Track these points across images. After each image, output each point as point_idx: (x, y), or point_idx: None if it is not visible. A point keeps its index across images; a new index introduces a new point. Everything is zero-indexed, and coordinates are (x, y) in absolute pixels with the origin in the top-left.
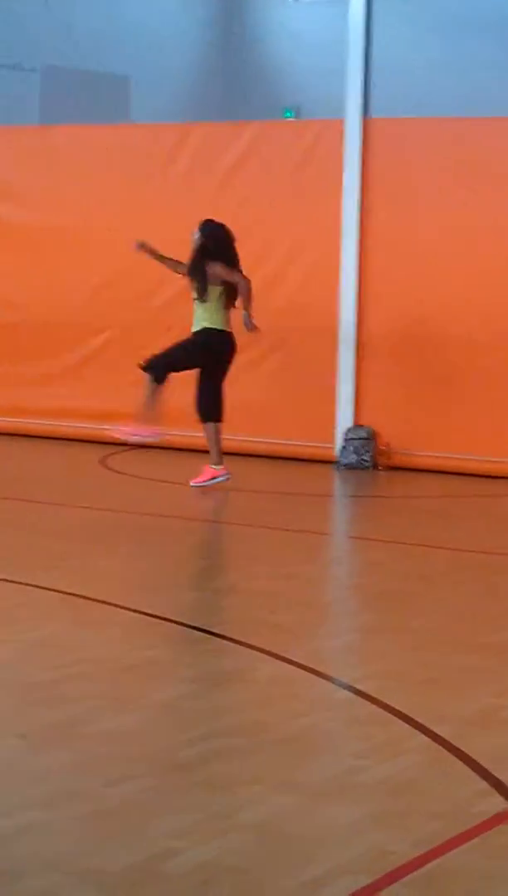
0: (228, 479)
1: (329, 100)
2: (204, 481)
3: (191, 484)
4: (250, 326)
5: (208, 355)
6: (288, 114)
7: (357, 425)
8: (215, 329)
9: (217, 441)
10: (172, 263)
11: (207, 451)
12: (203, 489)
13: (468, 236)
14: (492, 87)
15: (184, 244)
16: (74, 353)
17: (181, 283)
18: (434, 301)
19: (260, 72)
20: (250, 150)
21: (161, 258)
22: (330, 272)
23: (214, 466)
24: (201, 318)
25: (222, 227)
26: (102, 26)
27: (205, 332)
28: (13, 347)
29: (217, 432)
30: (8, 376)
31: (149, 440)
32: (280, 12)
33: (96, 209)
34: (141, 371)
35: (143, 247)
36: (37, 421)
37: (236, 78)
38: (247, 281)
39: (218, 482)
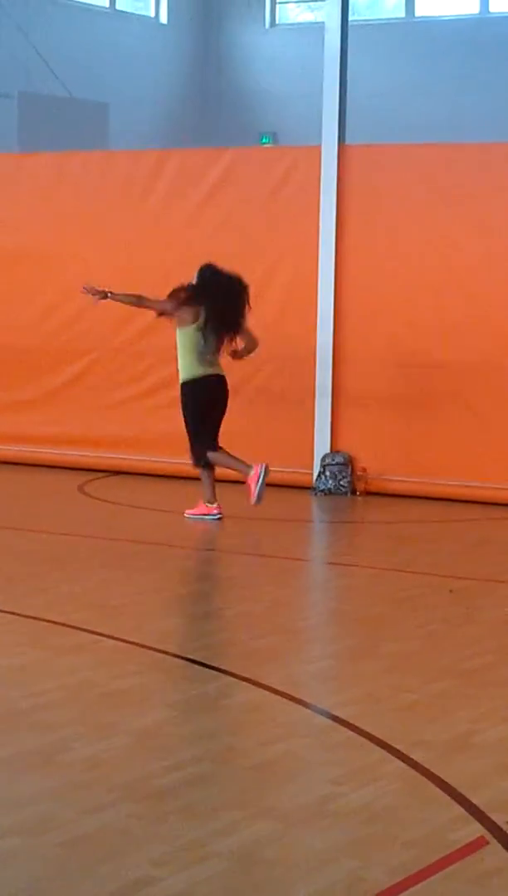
0: (219, 518)
1: (306, 126)
2: (196, 515)
3: (186, 514)
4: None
5: (200, 405)
6: (265, 140)
7: (335, 451)
8: (184, 382)
9: (207, 483)
10: (133, 300)
11: (185, 478)
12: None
13: (444, 261)
14: (467, 112)
15: (159, 268)
16: (53, 378)
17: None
18: (412, 325)
19: (237, 98)
20: (227, 176)
21: (117, 296)
22: (307, 297)
23: (207, 504)
24: (179, 364)
25: (215, 271)
26: (80, 53)
27: (182, 387)
28: None
29: (206, 476)
30: None
31: (212, 519)
32: (256, 40)
33: (74, 236)
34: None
35: (90, 291)
36: (15, 447)
37: (213, 105)
38: (251, 342)
39: (210, 520)
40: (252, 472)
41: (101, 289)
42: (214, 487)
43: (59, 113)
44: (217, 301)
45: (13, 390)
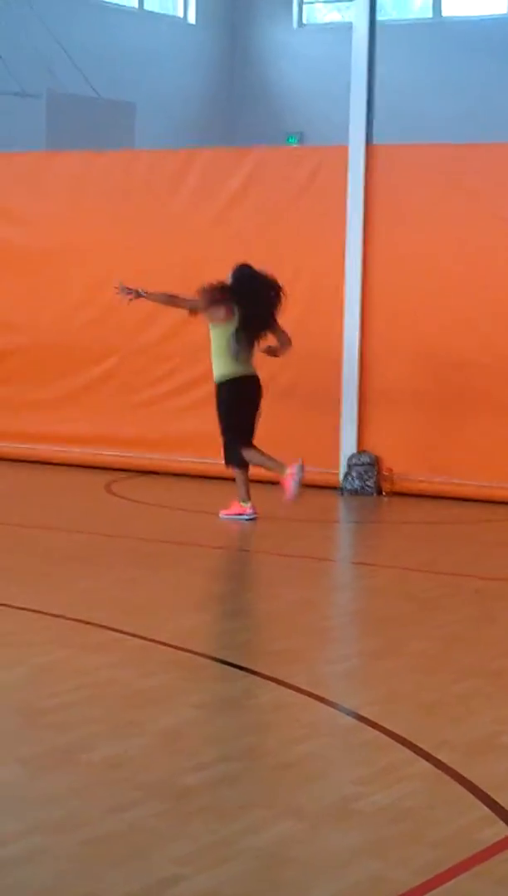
0: (254, 517)
1: (332, 126)
2: (231, 514)
3: (220, 514)
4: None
5: (235, 404)
6: (291, 140)
7: (361, 451)
8: (220, 382)
9: (241, 482)
10: (166, 299)
11: (211, 478)
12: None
13: (471, 261)
14: (494, 112)
15: (185, 267)
16: (79, 377)
17: (183, 312)
18: (438, 326)
19: (263, 98)
20: (253, 175)
21: (153, 296)
22: (334, 298)
23: (242, 503)
24: (215, 366)
25: (250, 271)
26: (107, 53)
27: (218, 388)
28: (18, 372)
29: (240, 475)
30: (12, 401)
31: (247, 519)
32: (284, 40)
33: (100, 235)
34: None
35: (124, 291)
36: (41, 446)
37: (239, 104)
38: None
39: (244, 519)
40: (288, 471)
41: (134, 287)
42: (248, 487)
43: (86, 113)
44: (252, 301)
45: (40, 389)
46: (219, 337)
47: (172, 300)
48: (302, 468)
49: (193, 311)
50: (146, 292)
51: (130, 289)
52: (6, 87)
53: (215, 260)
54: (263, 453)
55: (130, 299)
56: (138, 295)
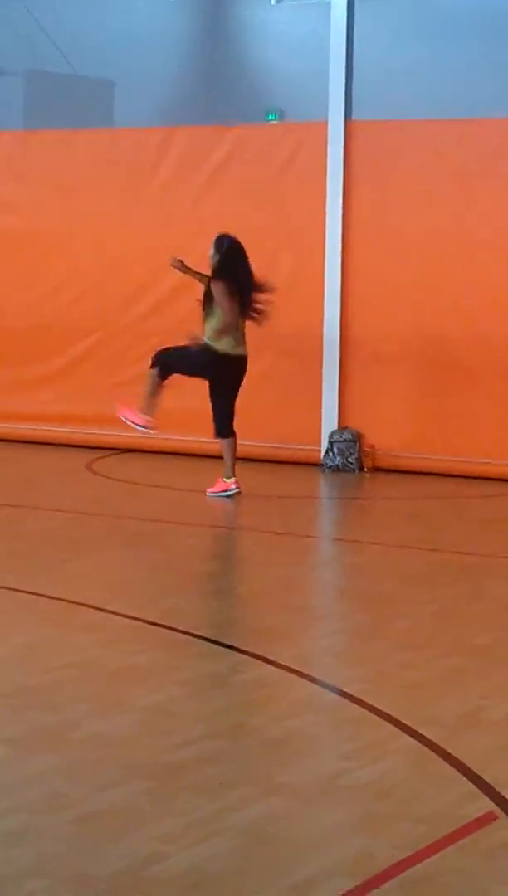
0: (237, 492)
1: (312, 102)
2: (217, 493)
3: (207, 493)
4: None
5: (211, 375)
6: (271, 117)
7: (342, 427)
8: (218, 352)
9: (229, 456)
10: (200, 277)
11: (190, 455)
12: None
13: (452, 237)
14: (474, 88)
15: (166, 245)
16: (60, 357)
17: (167, 287)
18: (418, 302)
19: (243, 75)
20: (234, 153)
21: (191, 272)
22: (314, 275)
23: (226, 479)
24: (207, 334)
25: (235, 242)
26: (86, 30)
27: (209, 351)
28: None
29: (230, 447)
30: None
31: (140, 429)
32: (262, 15)
33: (80, 214)
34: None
35: (178, 265)
36: (23, 426)
37: (219, 81)
38: (233, 313)
39: (230, 494)
40: (144, 417)
41: (185, 265)
42: (233, 462)
43: (64, 91)
44: (243, 274)
45: (21, 369)
46: (220, 315)
47: (201, 278)
48: (146, 431)
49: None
50: (191, 271)
51: (183, 265)
52: None
53: (195, 237)
54: (156, 385)
55: (180, 271)
56: (186, 270)
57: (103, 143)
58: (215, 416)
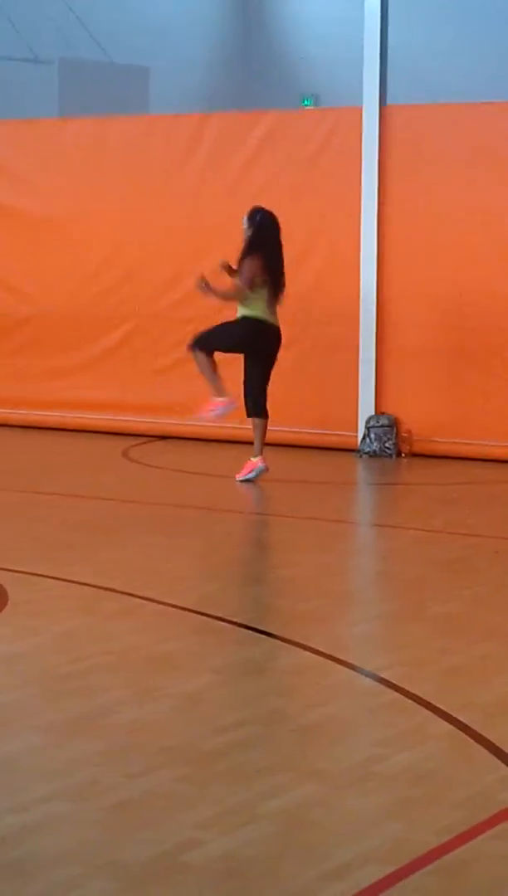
0: (264, 469)
1: (347, 88)
2: (246, 475)
3: (236, 479)
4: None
5: (248, 343)
6: (306, 102)
7: (379, 413)
8: (253, 317)
9: (260, 435)
10: (233, 294)
11: (226, 441)
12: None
13: (487, 221)
14: None
15: (200, 232)
16: (96, 344)
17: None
18: (455, 287)
19: (278, 61)
20: (268, 139)
21: (214, 292)
22: (349, 260)
23: (253, 458)
24: (241, 307)
25: (268, 215)
26: (120, 17)
27: (245, 321)
28: (34, 340)
29: (262, 427)
30: (29, 369)
31: (227, 409)
32: (298, 1)
33: (116, 201)
34: (189, 350)
35: (203, 287)
36: (58, 413)
37: (254, 67)
38: (247, 287)
39: (258, 472)
40: (218, 399)
41: (208, 284)
42: (263, 443)
43: (99, 78)
44: (274, 248)
45: (57, 357)
46: (255, 290)
47: (229, 295)
48: (232, 406)
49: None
50: (215, 289)
51: (208, 286)
52: (19, 53)
53: (230, 224)
54: (209, 364)
55: (205, 293)
56: (210, 290)
57: (138, 129)
58: (248, 392)
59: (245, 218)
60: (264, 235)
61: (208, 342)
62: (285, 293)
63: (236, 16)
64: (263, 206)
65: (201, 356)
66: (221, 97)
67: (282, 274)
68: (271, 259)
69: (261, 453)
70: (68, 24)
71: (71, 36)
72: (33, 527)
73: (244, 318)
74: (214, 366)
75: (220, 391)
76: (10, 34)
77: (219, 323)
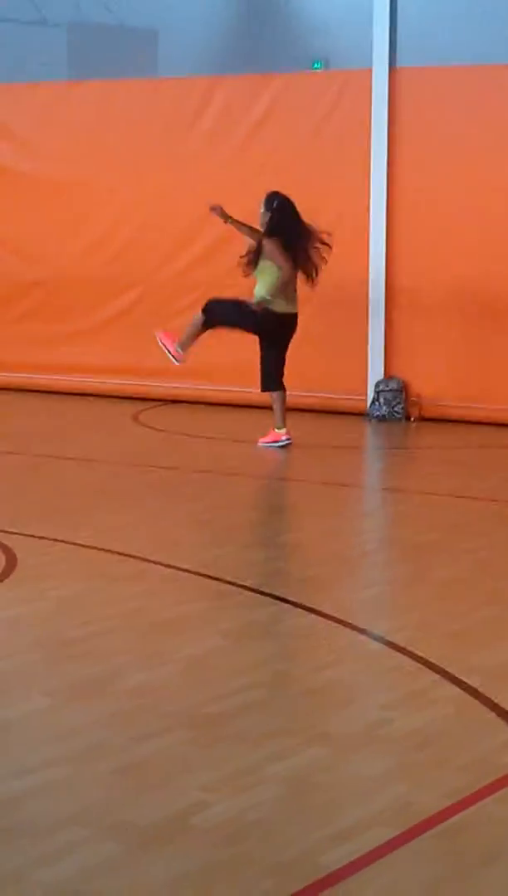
0: (289, 442)
1: (356, 50)
2: (269, 443)
3: (259, 443)
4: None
5: (264, 335)
6: (317, 65)
7: (388, 377)
8: (273, 311)
9: (279, 408)
10: (248, 230)
11: (236, 406)
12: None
13: (496, 185)
14: None
15: (209, 195)
16: (104, 309)
17: (210, 239)
18: (463, 251)
19: (288, 23)
20: (278, 101)
21: (233, 221)
22: (359, 224)
23: (277, 430)
24: (258, 290)
25: (285, 199)
26: None
27: (266, 314)
28: (43, 305)
29: (279, 400)
30: (38, 334)
31: (171, 358)
32: None
33: (123, 164)
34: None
35: (219, 211)
36: (68, 377)
37: (263, 30)
38: (288, 269)
39: (281, 444)
40: (180, 351)
41: (225, 212)
42: (284, 413)
43: (108, 41)
44: (294, 230)
45: (66, 322)
46: (275, 273)
47: (250, 232)
48: (172, 357)
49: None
50: (233, 220)
51: (223, 212)
52: (28, 17)
53: (239, 187)
54: (197, 331)
55: (222, 221)
56: (226, 220)
57: (146, 92)
58: (262, 370)
59: (262, 202)
60: (281, 220)
61: (219, 316)
62: (318, 273)
63: None
64: (279, 191)
65: (199, 323)
66: (230, 60)
67: (308, 256)
68: (290, 241)
69: (284, 425)
70: None
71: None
72: (43, 491)
73: (266, 312)
74: (199, 334)
75: (184, 348)
76: None
77: (241, 301)
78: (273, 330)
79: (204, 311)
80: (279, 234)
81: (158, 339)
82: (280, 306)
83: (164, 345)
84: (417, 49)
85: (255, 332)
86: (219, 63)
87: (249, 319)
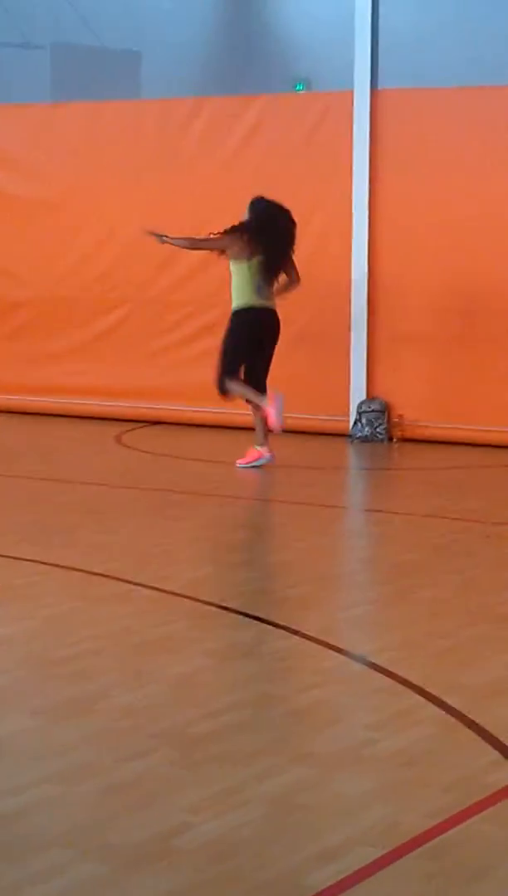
0: (270, 461)
1: (339, 72)
2: (248, 463)
3: (237, 465)
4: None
5: (245, 337)
6: (299, 87)
7: (370, 398)
8: (240, 308)
9: (259, 426)
10: (188, 242)
11: (220, 427)
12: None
13: (479, 205)
14: (502, 55)
15: (193, 217)
16: (89, 329)
17: (196, 258)
18: (447, 271)
19: (271, 45)
20: (261, 123)
21: (172, 239)
22: (341, 244)
23: (257, 447)
24: (233, 295)
25: (268, 204)
26: (112, 2)
27: (234, 316)
28: (27, 325)
29: (260, 417)
30: (21, 354)
31: (264, 462)
32: None
33: (108, 185)
34: (221, 394)
35: (153, 235)
36: (51, 399)
37: (246, 52)
38: (244, 260)
39: (262, 463)
40: (268, 402)
41: (159, 233)
42: (266, 431)
43: (91, 63)
44: (272, 234)
45: (49, 342)
46: (240, 272)
47: (194, 243)
48: (282, 398)
49: (219, 251)
50: (167, 237)
51: (156, 233)
52: (10, 38)
53: (223, 208)
54: (245, 385)
55: (158, 241)
56: (162, 239)
57: (130, 114)
58: (249, 381)
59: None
60: (260, 219)
61: (225, 369)
62: (294, 279)
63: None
64: (264, 196)
65: (233, 385)
66: (213, 81)
67: (281, 258)
68: (263, 239)
69: (266, 443)
70: (60, 8)
71: (63, 21)
72: (26, 511)
73: (234, 314)
74: (258, 407)
75: (261, 399)
76: (2, 19)
77: (221, 349)
78: (250, 329)
79: (222, 385)
80: (243, 230)
81: (242, 467)
82: (250, 299)
83: (251, 464)
84: (399, 71)
85: (246, 345)
86: (202, 85)
87: (230, 340)
